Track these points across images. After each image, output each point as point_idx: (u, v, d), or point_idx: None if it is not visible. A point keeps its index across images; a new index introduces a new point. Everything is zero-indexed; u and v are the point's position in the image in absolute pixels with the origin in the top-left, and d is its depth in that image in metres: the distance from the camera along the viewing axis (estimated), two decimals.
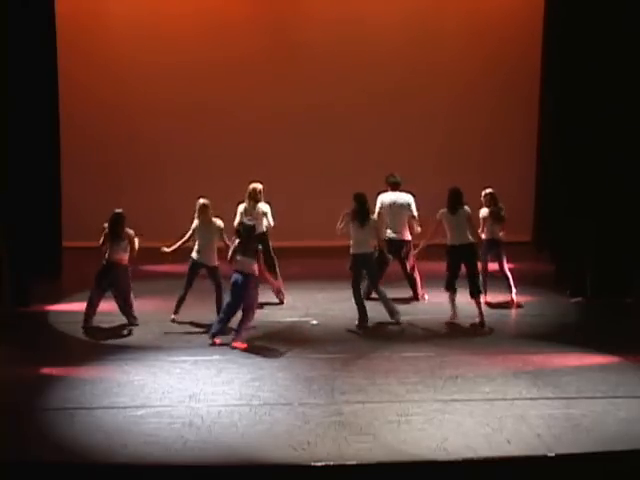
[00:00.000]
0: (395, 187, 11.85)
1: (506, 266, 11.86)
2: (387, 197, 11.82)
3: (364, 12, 15.42)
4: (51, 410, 8.04)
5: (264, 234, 11.76)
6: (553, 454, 7.05)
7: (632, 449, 7.15)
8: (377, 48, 15.36)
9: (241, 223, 10.38)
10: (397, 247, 11.66)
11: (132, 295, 10.90)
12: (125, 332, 10.57)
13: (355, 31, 15.35)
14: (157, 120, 15.38)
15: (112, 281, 10.71)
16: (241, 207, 11.84)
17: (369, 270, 10.82)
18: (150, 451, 7.14)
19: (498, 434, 7.46)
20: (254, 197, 11.83)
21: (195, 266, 11.03)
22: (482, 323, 10.78)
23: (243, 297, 9.94)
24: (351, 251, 10.78)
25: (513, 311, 11.63)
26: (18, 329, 10.71)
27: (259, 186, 11.87)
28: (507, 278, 11.83)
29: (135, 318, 10.85)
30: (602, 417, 7.85)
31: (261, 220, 11.73)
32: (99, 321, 10.87)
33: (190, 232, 11.04)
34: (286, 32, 15.49)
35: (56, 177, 13.42)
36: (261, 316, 11.20)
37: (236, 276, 9.93)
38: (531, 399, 8.29)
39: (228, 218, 11.35)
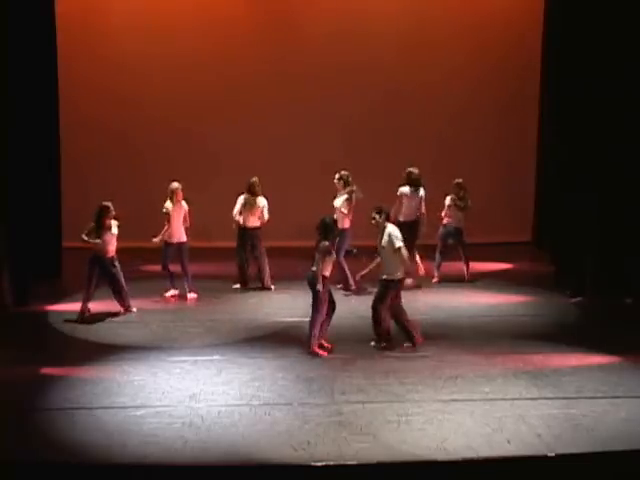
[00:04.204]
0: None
1: (464, 250, 13.19)
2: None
3: (364, 6, 15.43)
4: (51, 410, 8.04)
5: (259, 228, 12.30)
6: (553, 454, 7.06)
7: (632, 449, 7.16)
8: (378, 47, 15.32)
9: (323, 218, 9.99)
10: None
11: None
12: (126, 331, 10.56)
13: (354, 28, 15.31)
14: (159, 121, 15.36)
15: (103, 272, 11.01)
16: (241, 198, 12.21)
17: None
18: (150, 451, 7.14)
19: (498, 434, 7.46)
20: (254, 190, 12.18)
21: (171, 246, 11.94)
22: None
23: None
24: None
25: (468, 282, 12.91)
26: (18, 329, 10.71)
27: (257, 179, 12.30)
28: (467, 261, 13.14)
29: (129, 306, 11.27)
30: (602, 417, 7.86)
31: (260, 214, 12.25)
32: (99, 321, 10.91)
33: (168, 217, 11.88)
34: (286, 28, 15.47)
35: (56, 177, 13.41)
36: (262, 315, 11.23)
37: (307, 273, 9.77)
38: (531, 399, 8.29)
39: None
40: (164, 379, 8.84)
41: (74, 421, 7.78)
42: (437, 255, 13.04)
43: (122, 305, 11.23)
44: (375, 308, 9.81)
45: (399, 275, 9.78)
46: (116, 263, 11.11)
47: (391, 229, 9.82)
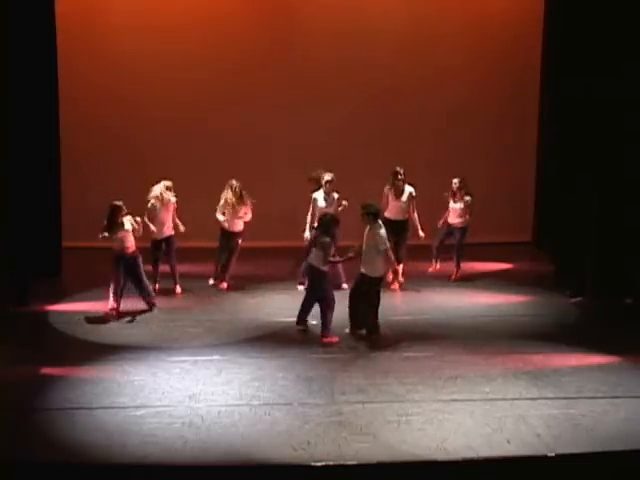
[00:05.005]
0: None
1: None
2: None
3: (363, 4, 15.41)
4: (51, 410, 8.04)
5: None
6: (553, 454, 7.06)
7: (632, 449, 7.16)
8: (376, 45, 15.24)
9: (325, 215, 10.64)
10: None
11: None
12: (126, 331, 10.57)
13: (354, 26, 15.26)
14: (159, 121, 15.33)
15: (127, 271, 11.03)
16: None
17: None
18: (150, 451, 7.15)
19: (498, 434, 7.47)
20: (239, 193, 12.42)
21: (158, 243, 12.13)
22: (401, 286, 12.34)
23: (313, 289, 10.13)
24: None
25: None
26: (18, 329, 10.71)
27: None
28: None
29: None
30: (602, 417, 7.87)
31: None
32: (99, 321, 10.90)
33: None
34: (285, 27, 15.34)
35: (56, 177, 13.39)
36: (262, 315, 11.22)
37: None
38: (531, 399, 8.30)
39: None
40: (164, 379, 8.84)
41: (74, 421, 7.79)
42: (458, 255, 13.04)
43: (146, 302, 11.26)
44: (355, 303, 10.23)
45: (380, 273, 10.18)
46: (139, 260, 11.10)
47: (380, 230, 10.06)
